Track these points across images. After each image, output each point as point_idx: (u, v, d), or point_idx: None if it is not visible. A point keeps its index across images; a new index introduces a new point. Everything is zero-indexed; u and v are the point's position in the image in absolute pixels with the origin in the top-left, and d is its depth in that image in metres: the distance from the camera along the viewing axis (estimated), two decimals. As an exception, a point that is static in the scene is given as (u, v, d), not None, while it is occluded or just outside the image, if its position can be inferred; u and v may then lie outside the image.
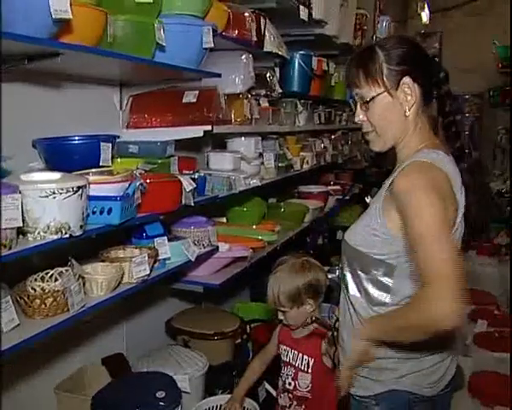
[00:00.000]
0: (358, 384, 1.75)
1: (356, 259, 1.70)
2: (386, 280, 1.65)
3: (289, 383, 2.37)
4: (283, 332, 2.45)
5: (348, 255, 1.74)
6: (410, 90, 1.63)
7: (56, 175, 1.75)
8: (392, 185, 1.59)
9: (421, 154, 1.62)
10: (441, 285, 1.39)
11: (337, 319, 1.91)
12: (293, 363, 2.37)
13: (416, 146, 1.67)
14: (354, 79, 1.69)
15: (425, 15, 8.22)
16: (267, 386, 2.84)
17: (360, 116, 1.71)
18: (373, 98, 1.65)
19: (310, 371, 2.32)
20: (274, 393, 2.69)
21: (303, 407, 2.33)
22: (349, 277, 1.74)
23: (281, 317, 2.36)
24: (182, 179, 2.29)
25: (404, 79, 1.63)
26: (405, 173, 1.57)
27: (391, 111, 1.66)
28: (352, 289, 1.73)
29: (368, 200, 1.81)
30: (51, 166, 2.00)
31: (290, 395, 2.36)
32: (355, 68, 1.69)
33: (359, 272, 1.70)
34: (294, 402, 2.36)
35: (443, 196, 1.53)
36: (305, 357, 2.34)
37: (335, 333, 1.94)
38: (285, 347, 2.42)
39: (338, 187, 4.92)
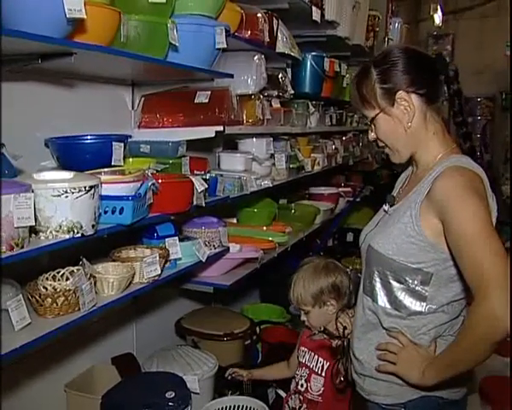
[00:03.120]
0: (385, 392, 1.69)
1: (389, 268, 1.63)
2: (422, 288, 1.60)
3: (302, 385, 2.36)
4: (305, 334, 2.43)
5: (379, 265, 1.66)
6: (406, 102, 1.61)
7: (68, 174, 1.76)
8: (430, 191, 1.55)
9: (451, 159, 1.59)
10: (500, 286, 1.36)
11: (344, 328, 1.87)
12: (308, 364, 2.36)
13: (437, 152, 1.65)
14: (354, 101, 1.72)
15: (437, 17, 8.22)
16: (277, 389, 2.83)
17: (372, 134, 1.72)
18: (373, 119, 1.66)
19: (323, 374, 2.31)
20: (284, 395, 2.68)
21: None
22: (379, 287, 1.67)
23: (303, 318, 2.35)
24: (193, 180, 2.29)
25: (398, 94, 1.60)
26: (446, 178, 1.53)
27: (392, 128, 1.65)
28: (382, 300, 1.66)
29: (386, 207, 1.76)
30: (63, 165, 2.01)
31: (301, 396, 2.36)
32: (354, 91, 1.70)
33: (392, 282, 1.63)
34: (304, 405, 2.34)
35: (484, 199, 1.51)
36: (321, 359, 2.33)
37: (345, 342, 1.88)
38: (303, 348, 2.42)
39: (349, 189, 4.92)
